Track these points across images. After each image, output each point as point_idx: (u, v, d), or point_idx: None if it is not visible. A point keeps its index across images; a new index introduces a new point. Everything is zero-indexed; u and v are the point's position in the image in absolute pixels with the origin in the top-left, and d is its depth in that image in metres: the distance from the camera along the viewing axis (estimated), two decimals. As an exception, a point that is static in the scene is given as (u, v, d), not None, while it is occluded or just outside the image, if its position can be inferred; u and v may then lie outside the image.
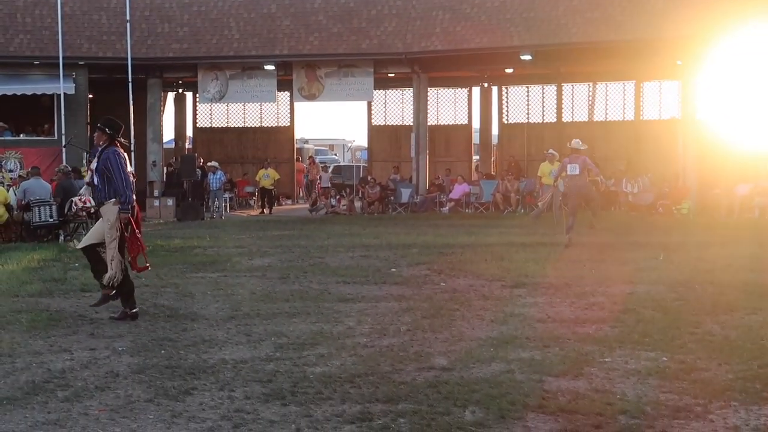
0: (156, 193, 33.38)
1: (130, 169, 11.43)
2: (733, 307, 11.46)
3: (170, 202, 31.96)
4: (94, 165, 11.40)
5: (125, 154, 11.41)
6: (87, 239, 11.69)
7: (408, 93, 37.93)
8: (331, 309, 11.73)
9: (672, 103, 35.47)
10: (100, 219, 11.48)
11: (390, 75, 36.67)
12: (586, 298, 12.41)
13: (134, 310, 11.25)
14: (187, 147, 43.36)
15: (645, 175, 31.75)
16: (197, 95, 38.91)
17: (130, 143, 32.53)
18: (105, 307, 11.71)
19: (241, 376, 8.25)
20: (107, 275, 11.09)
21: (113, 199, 11.09)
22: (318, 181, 41.61)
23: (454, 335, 10.00)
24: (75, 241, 12.02)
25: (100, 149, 11.37)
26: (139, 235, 11.36)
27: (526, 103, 38.98)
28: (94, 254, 11.47)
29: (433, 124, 37.93)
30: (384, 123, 40.87)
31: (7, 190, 23.62)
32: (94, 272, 11.64)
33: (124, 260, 11.18)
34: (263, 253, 18.96)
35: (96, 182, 11.31)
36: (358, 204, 34.03)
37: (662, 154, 33.26)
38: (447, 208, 33.19)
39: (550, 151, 28.19)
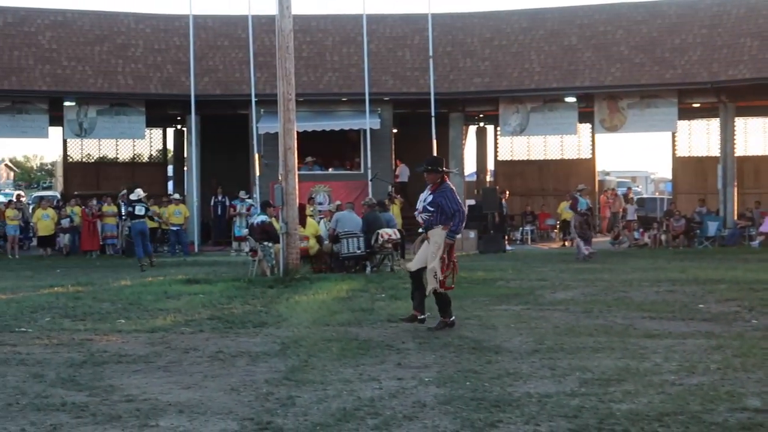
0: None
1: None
2: None
3: (472, 234, 32.13)
4: (428, 198, 12.74)
5: (453, 187, 13.03)
6: (417, 263, 12.92)
7: (714, 123, 36.89)
8: (636, 345, 11.46)
9: None
10: (425, 243, 12.77)
11: (695, 105, 35.77)
12: None
13: (452, 319, 12.76)
14: (488, 180, 43.83)
15: None
16: (498, 128, 39.33)
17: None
18: (412, 336, 12.10)
19: (546, 411, 8.18)
20: (429, 287, 12.55)
21: (441, 225, 12.52)
22: (621, 213, 40.90)
23: (768, 375, 9.57)
24: (406, 263, 13.55)
25: (431, 186, 12.81)
26: (454, 259, 12.80)
27: None
28: (419, 278, 12.87)
29: (742, 154, 36.65)
30: (689, 154, 39.89)
31: (318, 223, 24.55)
32: (413, 295, 13.06)
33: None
34: (566, 286, 18.81)
35: (431, 211, 12.66)
36: (662, 237, 33.23)
37: None
38: (757, 242, 31.93)
39: None
